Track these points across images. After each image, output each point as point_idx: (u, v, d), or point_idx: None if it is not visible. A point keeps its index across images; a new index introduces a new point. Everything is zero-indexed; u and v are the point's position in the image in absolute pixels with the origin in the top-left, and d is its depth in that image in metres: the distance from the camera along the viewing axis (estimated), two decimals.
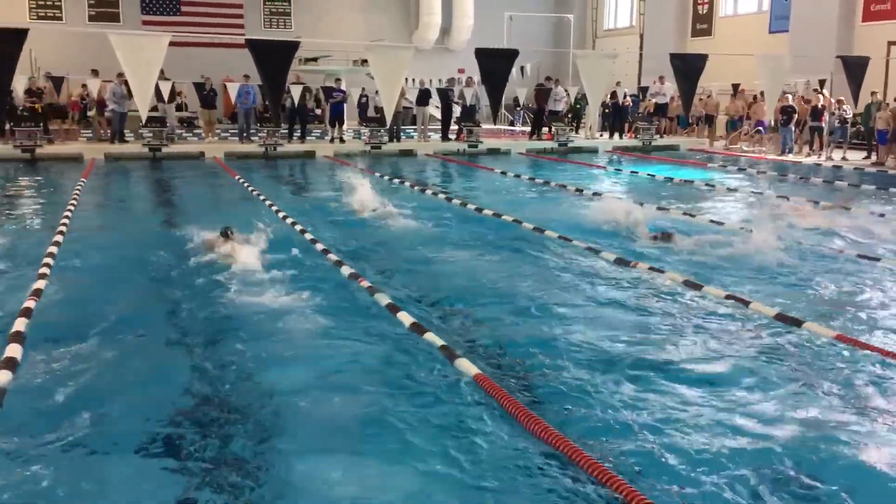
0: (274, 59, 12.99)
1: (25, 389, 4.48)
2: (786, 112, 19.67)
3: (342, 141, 21.33)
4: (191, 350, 5.40)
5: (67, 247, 8.19)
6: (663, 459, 3.81)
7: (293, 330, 5.70)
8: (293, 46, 13.79)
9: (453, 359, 4.93)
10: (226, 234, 7.91)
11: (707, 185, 14.58)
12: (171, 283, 7.10)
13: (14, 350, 4.86)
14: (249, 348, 5.30)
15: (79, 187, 12.76)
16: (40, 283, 6.52)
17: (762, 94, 20.37)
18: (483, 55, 15.46)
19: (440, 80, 25.60)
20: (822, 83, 20.97)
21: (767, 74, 17.52)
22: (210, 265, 7.45)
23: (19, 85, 19.61)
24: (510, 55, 15.90)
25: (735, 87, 22.89)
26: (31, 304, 5.92)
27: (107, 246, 8.67)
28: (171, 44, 12.96)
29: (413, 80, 27.65)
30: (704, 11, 28.00)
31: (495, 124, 25.95)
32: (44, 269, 6.98)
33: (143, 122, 17.11)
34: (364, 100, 24.13)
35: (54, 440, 3.95)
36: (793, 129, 19.95)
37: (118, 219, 10.87)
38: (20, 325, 5.36)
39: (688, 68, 16.62)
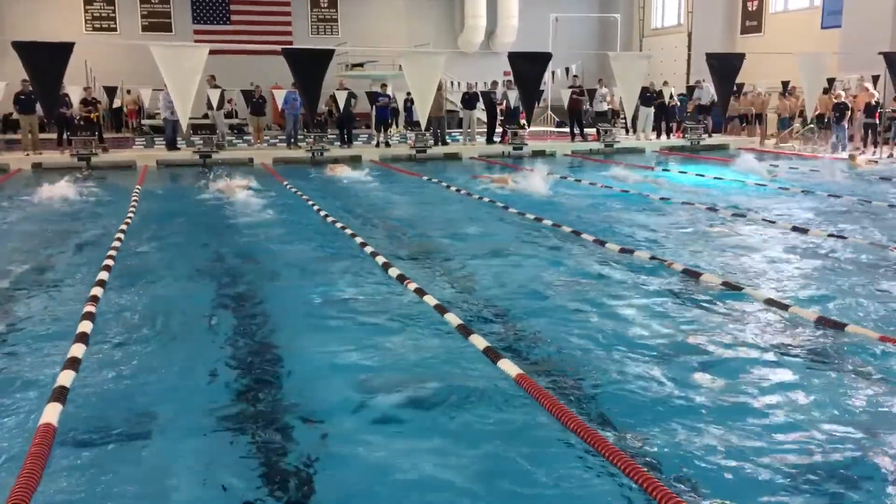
0: (310, 66, 13.13)
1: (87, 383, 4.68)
2: (839, 109, 19.21)
3: (388, 145, 21.51)
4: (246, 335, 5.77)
5: (128, 241, 9.11)
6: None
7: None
8: (328, 54, 13.90)
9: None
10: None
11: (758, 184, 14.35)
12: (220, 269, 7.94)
13: (77, 349, 5.06)
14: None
15: (136, 191, 13.41)
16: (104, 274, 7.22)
17: (824, 91, 20.09)
18: (516, 58, 15.34)
19: (485, 83, 25.57)
20: (875, 79, 20.42)
21: (807, 72, 17.16)
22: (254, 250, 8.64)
23: (75, 96, 20.21)
24: (543, 58, 15.73)
25: (784, 84, 22.45)
26: (95, 300, 6.28)
27: (162, 238, 9.52)
28: (222, 52, 13.27)
29: (457, 83, 27.70)
30: (754, 8, 27.49)
31: (529, 127, 25.44)
32: (108, 261, 7.76)
33: (184, 129, 17.52)
34: (409, 104, 24.27)
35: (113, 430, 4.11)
36: (846, 126, 19.49)
37: (172, 216, 11.31)
38: (84, 327, 5.59)
39: (724, 67, 16.29)
